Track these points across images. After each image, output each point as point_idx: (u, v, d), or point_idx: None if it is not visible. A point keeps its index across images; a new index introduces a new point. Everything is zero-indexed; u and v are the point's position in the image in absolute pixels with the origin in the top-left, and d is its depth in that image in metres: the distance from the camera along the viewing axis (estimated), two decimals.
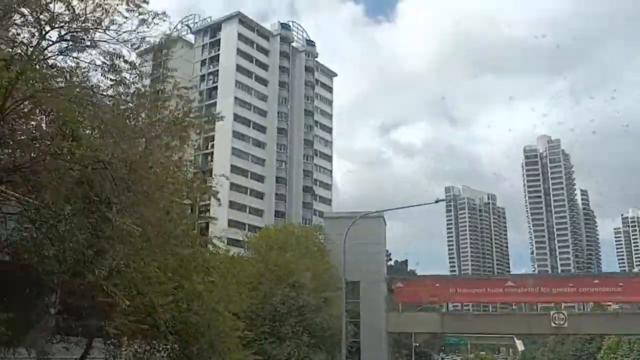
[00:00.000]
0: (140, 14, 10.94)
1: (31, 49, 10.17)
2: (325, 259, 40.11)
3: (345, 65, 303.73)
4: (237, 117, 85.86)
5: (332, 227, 42.10)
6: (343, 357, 30.75)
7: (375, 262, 44.47)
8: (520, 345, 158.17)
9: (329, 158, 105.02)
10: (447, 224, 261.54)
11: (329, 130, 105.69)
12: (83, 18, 10.46)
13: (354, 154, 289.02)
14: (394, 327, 44.83)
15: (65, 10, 10.30)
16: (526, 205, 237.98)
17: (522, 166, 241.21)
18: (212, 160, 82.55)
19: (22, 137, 10.20)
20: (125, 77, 11.52)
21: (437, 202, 31.19)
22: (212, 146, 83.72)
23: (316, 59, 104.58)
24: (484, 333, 43.97)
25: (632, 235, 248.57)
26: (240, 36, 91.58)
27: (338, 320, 34.80)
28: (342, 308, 31.92)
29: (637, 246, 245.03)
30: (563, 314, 40.79)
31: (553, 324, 40.05)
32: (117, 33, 10.88)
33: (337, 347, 35.44)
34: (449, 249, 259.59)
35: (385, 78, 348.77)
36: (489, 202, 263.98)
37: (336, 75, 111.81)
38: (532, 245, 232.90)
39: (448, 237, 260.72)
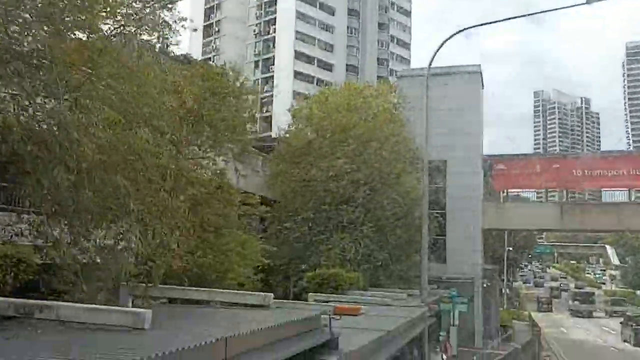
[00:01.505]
0: None
1: None
2: (400, 128, 27.74)
3: None
4: None
5: (412, 87, 29.42)
6: (424, 261, 19.38)
7: (469, 136, 31.86)
8: (613, 256, 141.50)
9: (407, 13, 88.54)
10: (535, 130, 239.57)
11: None
12: None
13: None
14: (492, 222, 32.69)
15: None
16: (625, 109, 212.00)
17: (623, 65, 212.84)
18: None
19: None
20: None
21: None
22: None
23: None
24: (613, 229, 30.49)
25: None
26: None
27: (415, 207, 23.23)
28: (423, 192, 20.20)
29: None
30: None
31: None
32: None
33: (413, 245, 24.34)
34: None
35: None
36: (582, 107, 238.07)
37: None
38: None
39: (535, 144, 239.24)
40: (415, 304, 18.08)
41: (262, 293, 8.44)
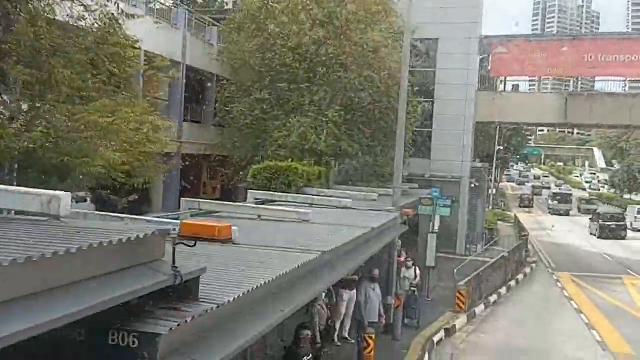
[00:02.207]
0: None
1: None
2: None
3: None
4: None
5: None
6: (399, 154, 14.99)
7: (465, 10, 26.45)
8: (600, 159, 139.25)
9: None
10: (533, 30, 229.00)
11: None
12: None
13: None
14: (486, 114, 28.18)
15: None
16: (628, 9, 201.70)
17: None
18: None
19: None
20: None
21: None
22: None
23: None
24: (624, 125, 26.09)
25: None
26: None
27: (396, 89, 18.57)
28: (402, 63, 15.38)
29: None
30: None
31: None
32: None
33: (393, 136, 20.03)
34: None
35: None
36: (583, 5, 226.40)
37: None
38: None
39: None
40: (385, 207, 13.92)
41: (51, 193, 4.00)
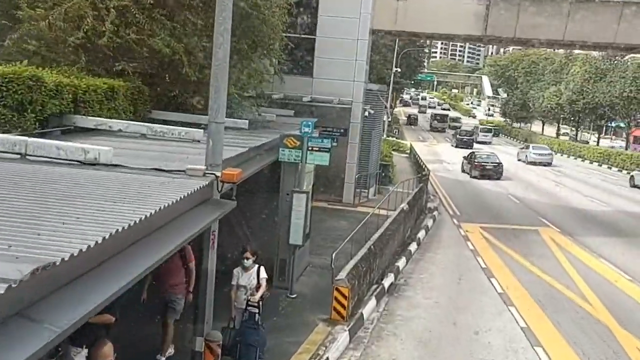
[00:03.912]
0: None
1: None
2: None
3: None
4: None
5: None
6: (219, 62, 7.56)
7: None
8: (487, 87, 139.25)
9: None
10: None
11: None
12: None
13: None
14: (385, 20, 21.02)
15: None
16: None
17: None
18: None
19: None
20: None
21: None
22: None
23: None
24: (560, 42, 19.95)
25: None
26: None
27: None
28: None
29: None
30: None
31: None
32: None
33: (255, 36, 12.70)
34: None
35: None
36: None
37: None
38: None
39: None
40: (183, 165, 6.56)
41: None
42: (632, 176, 34.97)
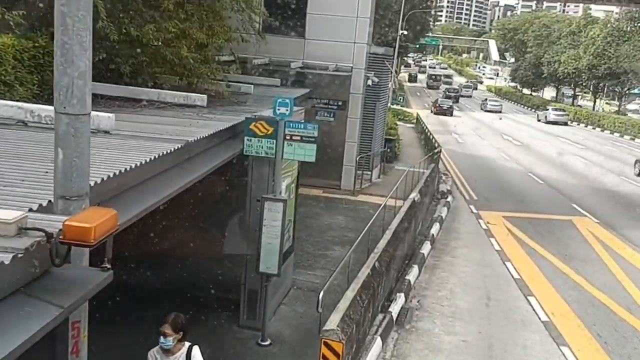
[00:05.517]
0: None
1: None
2: None
3: None
4: None
5: None
6: None
7: None
8: (494, 52, 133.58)
9: None
10: None
11: None
12: None
13: None
14: None
15: None
16: None
17: None
18: None
19: None
20: None
21: None
22: None
23: None
24: None
25: None
26: None
27: None
28: None
29: None
30: None
31: None
32: None
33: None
34: None
35: None
36: None
37: None
38: None
39: None
40: None
41: None
42: None
